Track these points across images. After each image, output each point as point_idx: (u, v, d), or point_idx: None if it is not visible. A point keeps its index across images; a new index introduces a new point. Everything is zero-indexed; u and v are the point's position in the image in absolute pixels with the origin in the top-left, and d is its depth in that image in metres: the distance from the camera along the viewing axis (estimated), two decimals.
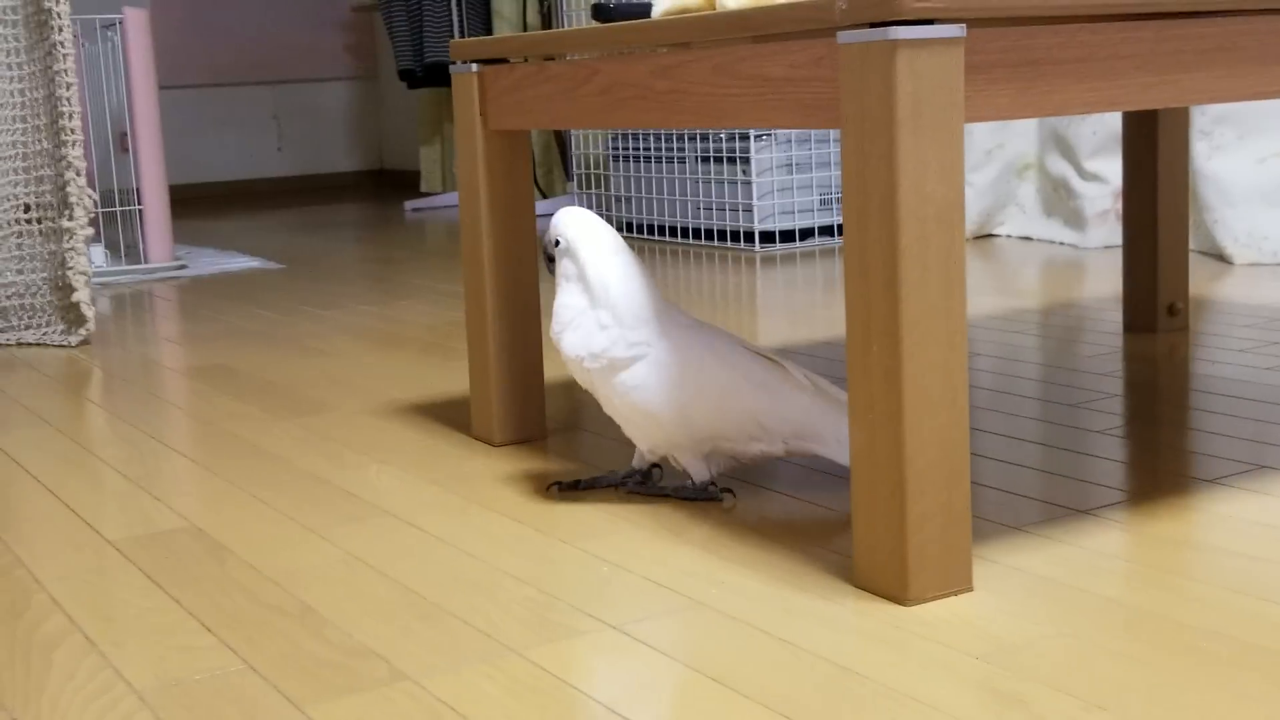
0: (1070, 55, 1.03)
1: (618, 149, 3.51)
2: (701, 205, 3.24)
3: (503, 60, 1.45)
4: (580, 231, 1.25)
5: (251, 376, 1.98)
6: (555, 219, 1.27)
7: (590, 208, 3.65)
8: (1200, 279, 2.41)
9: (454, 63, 1.50)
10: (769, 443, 1.25)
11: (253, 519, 1.30)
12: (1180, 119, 1.93)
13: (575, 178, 3.75)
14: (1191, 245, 2.72)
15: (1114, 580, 1.04)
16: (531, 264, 1.52)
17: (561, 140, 4.39)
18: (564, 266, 1.26)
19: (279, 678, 0.94)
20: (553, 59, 1.39)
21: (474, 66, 1.47)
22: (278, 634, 1.02)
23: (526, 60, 1.43)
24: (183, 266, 3.23)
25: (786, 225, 3.15)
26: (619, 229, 3.59)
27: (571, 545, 1.18)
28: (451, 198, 4.65)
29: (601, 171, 3.63)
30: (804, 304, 2.37)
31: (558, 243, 1.26)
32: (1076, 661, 0.90)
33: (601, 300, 1.23)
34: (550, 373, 1.89)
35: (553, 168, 4.44)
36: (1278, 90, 1.13)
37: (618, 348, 1.23)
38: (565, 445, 1.51)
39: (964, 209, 0.99)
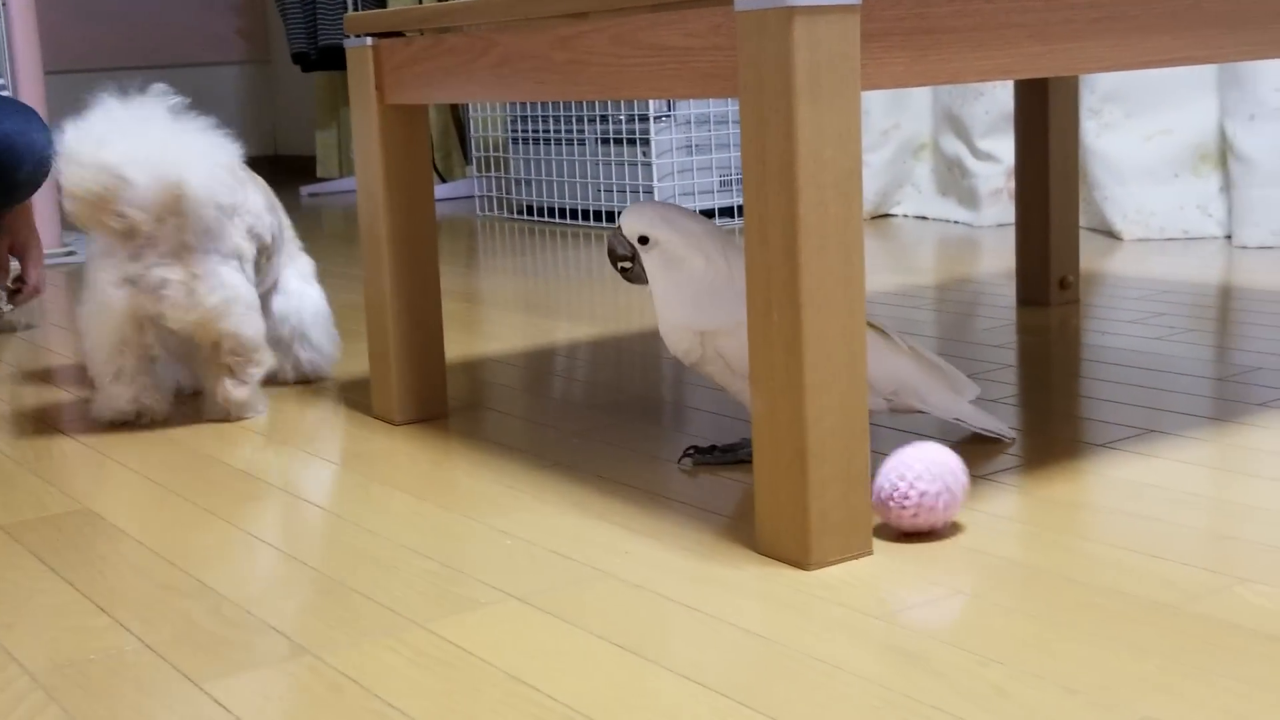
0: (964, 24, 1.04)
1: (517, 132, 3.49)
2: (602, 187, 3.24)
3: (398, 34, 1.44)
4: (670, 223, 1.23)
5: None
6: (627, 221, 1.24)
7: (490, 191, 3.64)
8: (1090, 254, 2.46)
9: (349, 37, 1.48)
10: (871, 397, 1.29)
11: (146, 500, 1.27)
12: (1070, 97, 1.97)
13: (474, 161, 3.73)
14: (1082, 222, 2.77)
15: (1009, 541, 1.06)
16: (431, 241, 1.50)
17: (460, 123, 4.36)
18: (656, 259, 1.24)
19: (176, 656, 0.92)
20: (449, 30, 1.38)
21: (369, 40, 1.45)
22: (174, 612, 1.00)
23: (423, 33, 1.41)
24: (72, 253, 3.17)
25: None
26: (519, 213, 3.58)
27: (475, 521, 1.17)
28: (348, 183, 4.60)
29: (501, 154, 3.61)
30: None
31: (645, 240, 1.23)
32: (973, 619, 0.92)
33: (722, 273, 1.23)
34: (451, 352, 1.88)
35: (451, 151, 4.41)
36: (1164, 59, 1.15)
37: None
38: (467, 424, 1.50)
39: (861, 177, 0.99)
